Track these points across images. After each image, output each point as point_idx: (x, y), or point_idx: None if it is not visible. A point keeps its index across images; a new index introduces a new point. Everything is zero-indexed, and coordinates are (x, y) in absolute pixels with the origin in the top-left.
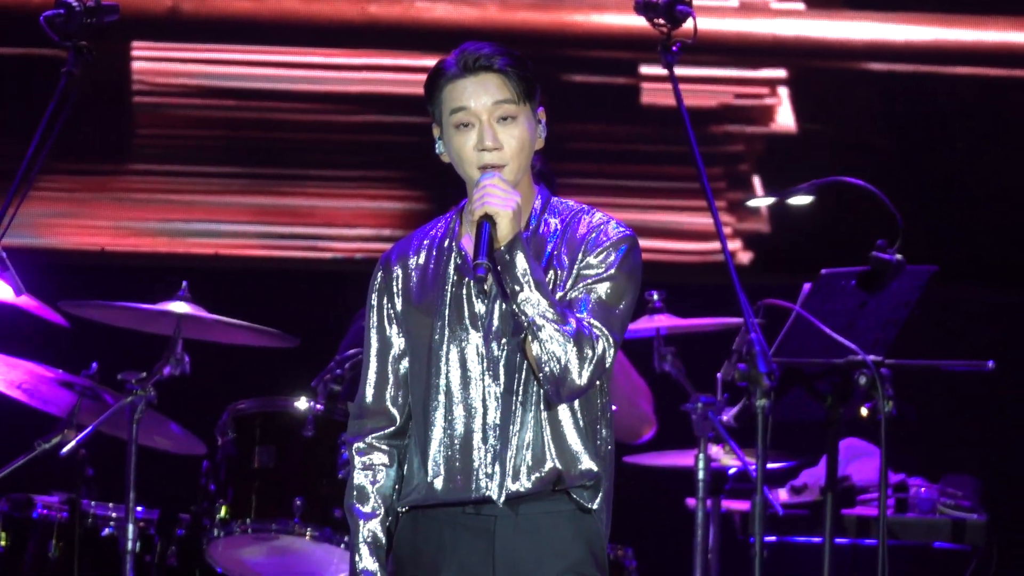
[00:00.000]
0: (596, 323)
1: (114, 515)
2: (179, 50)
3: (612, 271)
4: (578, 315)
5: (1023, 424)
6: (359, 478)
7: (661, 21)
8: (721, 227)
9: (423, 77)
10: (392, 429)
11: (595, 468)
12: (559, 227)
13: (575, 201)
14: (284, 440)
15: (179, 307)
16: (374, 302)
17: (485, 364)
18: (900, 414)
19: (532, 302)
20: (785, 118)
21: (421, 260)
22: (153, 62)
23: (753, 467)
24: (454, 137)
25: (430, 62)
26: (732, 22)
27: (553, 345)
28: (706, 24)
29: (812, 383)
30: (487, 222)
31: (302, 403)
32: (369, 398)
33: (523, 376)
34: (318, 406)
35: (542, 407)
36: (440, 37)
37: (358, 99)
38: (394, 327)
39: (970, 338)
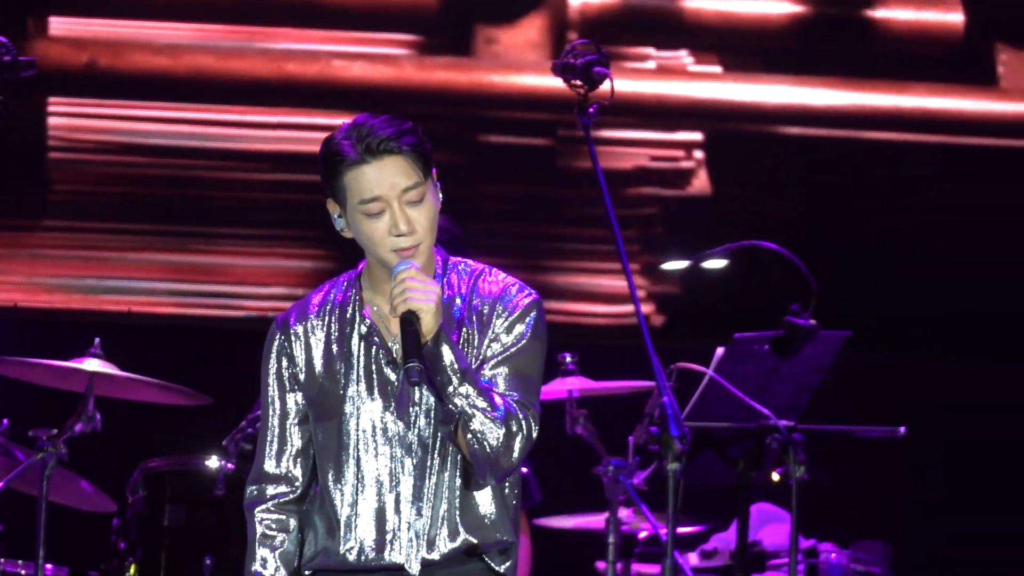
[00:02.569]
0: (521, 399)
1: (23, 572)
2: (95, 106)
3: (524, 341)
4: (503, 394)
5: (933, 490)
6: (261, 545)
7: (578, 83)
8: (635, 289)
9: None
10: (294, 495)
11: (507, 538)
12: (462, 288)
13: (470, 260)
14: (195, 499)
15: (91, 364)
16: (272, 365)
17: (396, 435)
18: (812, 479)
19: (462, 394)
20: (700, 181)
21: (322, 327)
22: (69, 118)
23: (664, 531)
24: (364, 223)
25: (346, 120)
26: (649, 84)
27: (485, 433)
28: (623, 86)
29: (724, 447)
30: (411, 318)
31: (213, 462)
32: (270, 464)
33: (436, 448)
34: (229, 465)
35: (456, 480)
36: (356, 96)
37: (273, 157)
38: (296, 392)
39: (881, 403)
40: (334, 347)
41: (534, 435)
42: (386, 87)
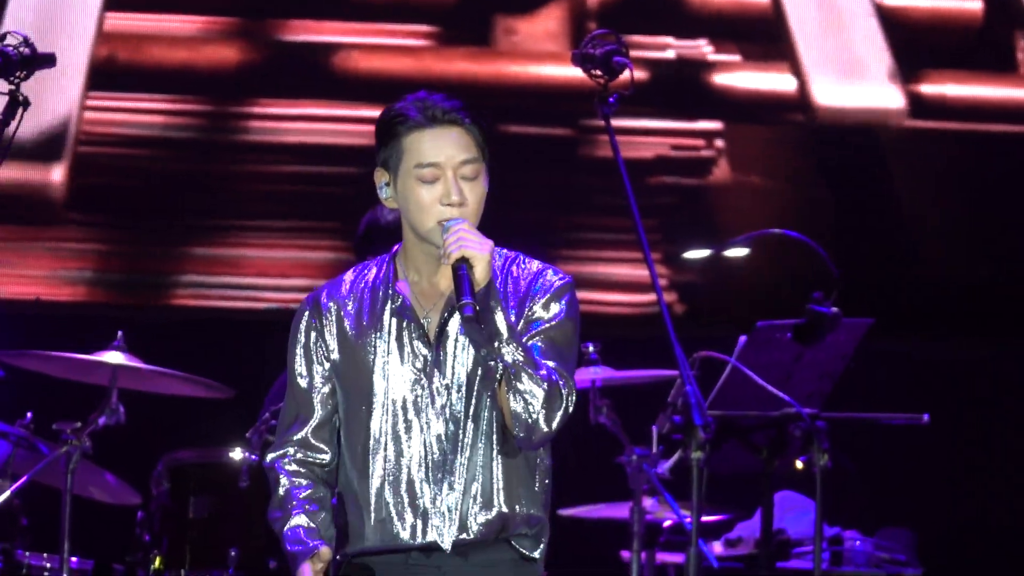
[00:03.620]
0: (560, 369)
1: (48, 565)
2: (116, 99)
3: (561, 318)
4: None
5: (957, 477)
6: (283, 487)
7: (598, 72)
8: (657, 279)
9: (359, 127)
10: (317, 463)
11: (539, 514)
12: (497, 271)
13: (503, 248)
14: (219, 490)
15: (114, 357)
16: (300, 338)
17: (427, 409)
18: (836, 466)
19: (509, 349)
20: (721, 170)
21: (354, 304)
22: (90, 111)
23: (688, 520)
24: (415, 188)
25: (366, 112)
26: (669, 73)
27: (529, 391)
28: (643, 75)
29: (748, 436)
30: (464, 265)
31: (237, 453)
32: (293, 431)
33: (468, 422)
34: (253, 456)
35: (490, 454)
36: (377, 87)
37: (295, 149)
38: (323, 365)
39: (905, 391)
40: (364, 321)
41: (571, 405)
42: (407, 78)
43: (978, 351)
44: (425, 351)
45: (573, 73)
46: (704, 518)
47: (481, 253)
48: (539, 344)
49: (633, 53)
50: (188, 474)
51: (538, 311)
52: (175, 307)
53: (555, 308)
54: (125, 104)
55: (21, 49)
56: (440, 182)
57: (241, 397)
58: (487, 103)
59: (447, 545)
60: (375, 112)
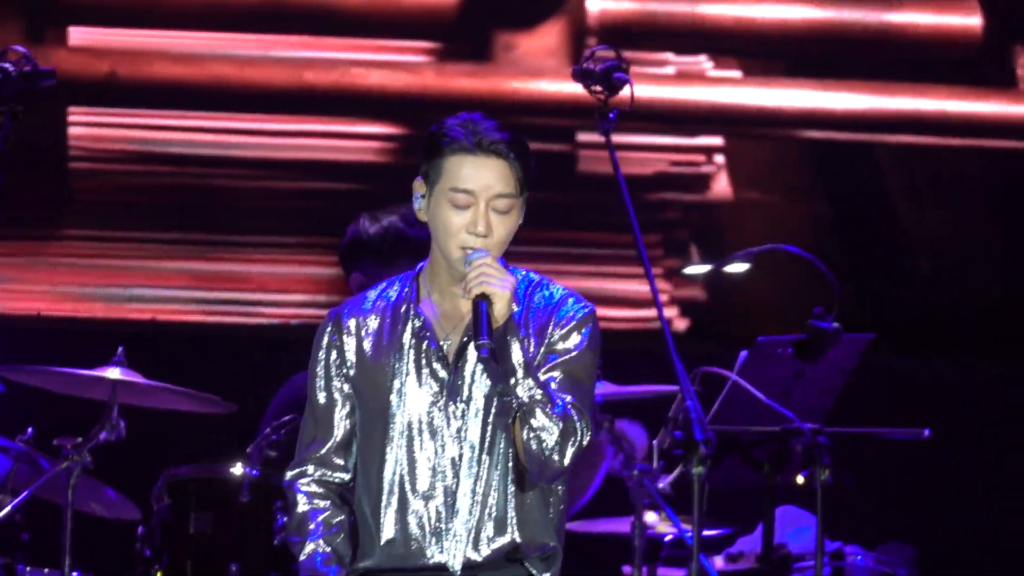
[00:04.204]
0: (575, 403)
1: None
2: (115, 115)
3: (580, 350)
4: (561, 395)
5: (957, 492)
6: (302, 508)
7: (598, 88)
8: (657, 294)
9: (358, 143)
10: (337, 479)
11: (552, 543)
12: (519, 298)
13: (525, 269)
14: (220, 506)
15: (115, 373)
16: (322, 356)
17: (444, 431)
18: (837, 480)
19: (524, 386)
20: (722, 185)
21: (375, 321)
22: (90, 127)
23: (689, 534)
24: (446, 209)
25: (366, 128)
26: (669, 90)
27: (542, 429)
28: (643, 92)
29: (748, 451)
30: (483, 301)
31: (238, 469)
32: (312, 449)
33: (486, 446)
34: (254, 471)
35: (505, 480)
36: (376, 103)
37: (293, 165)
38: (344, 384)
39: (905, 405)
40: (385, 341)
41: (586, 440)
42: (406, 94)
43: (981, 368)
44: (443, 374)
45: (573, 89)
46: (705, 532)
47: (502, 291)
48: (557, 375)
49: (633, 69)
50: (188, 489)
51: (558, 341)
52: (176, 323)
53: (575, 339)
54: (125, 120)
55: (22, 66)
56: (471, 210)
57: (242, 412)
58: None
59: (457, 567)
60: (374, 128)
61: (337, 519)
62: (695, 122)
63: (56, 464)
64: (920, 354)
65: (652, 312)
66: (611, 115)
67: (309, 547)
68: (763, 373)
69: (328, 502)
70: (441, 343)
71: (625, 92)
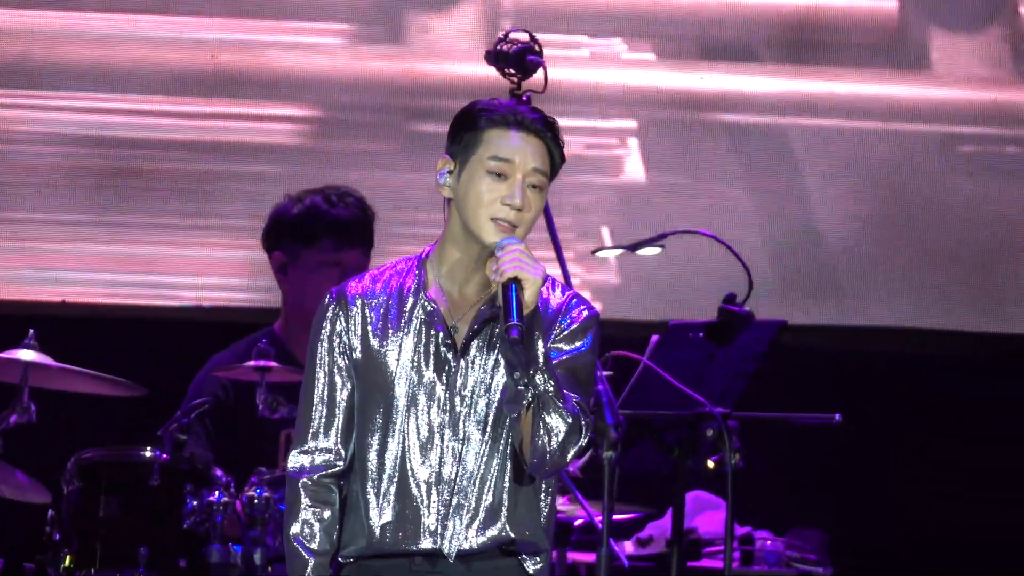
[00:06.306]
0: (580, 402)
1: None
2: (28, 96)
3: (584, 351)
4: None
5: (868, 477)
6: (307, 515)
7: (511, 71)
8: (569, 278)
9: (273, 125)
10: (339, 468)
11: (540, 543)
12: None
13: None
14: (130, 489)
15: (26, 355)
16: (325, 336)
17: (447, 417)
18: (748, 466)
19: (544, 377)
20: (635, 168)
21: (380, 304)
22: (1, 109)
23: (599, 519)
24: (483, 179)
25: (280, 111)
26: (582, 72)
27: (553, 422)
28: (556, 74)
29: (659, 435)
30: (515, 284)
31: (148, 452)
32: (316, 435)
33: (489, 435)
34: (164, 455)
35: (504, 470)
36: (291, 85)
37: (207, 147)
38: (346, 366)
39: (816, 390)
40: (391, 324)
41: (585, 441)
42: (320, 76)
43: (894, 349)
44: (449, 361)
45: (487, 72)
46: (615, 517)
47: (534, 277)
48: (560, 374)
49: (546, 52)
50: (99, 473)
51: (562, 341)
52: (87, 305)
53: (579, 341)
54: (37, 102)
55: None
56: (508, 182)
57: (153, 395)
58: (399, 101)
59: (451, 555)
60: (288, 111)
61: (335, 525)
62: (609, 105)
63: None
64: (838, 339)
65: None
66: (524, 98)
67: (312, 563)
68: (675, 357)
69: (329, 512)
70: (450, 327)
71: (538, 75)
